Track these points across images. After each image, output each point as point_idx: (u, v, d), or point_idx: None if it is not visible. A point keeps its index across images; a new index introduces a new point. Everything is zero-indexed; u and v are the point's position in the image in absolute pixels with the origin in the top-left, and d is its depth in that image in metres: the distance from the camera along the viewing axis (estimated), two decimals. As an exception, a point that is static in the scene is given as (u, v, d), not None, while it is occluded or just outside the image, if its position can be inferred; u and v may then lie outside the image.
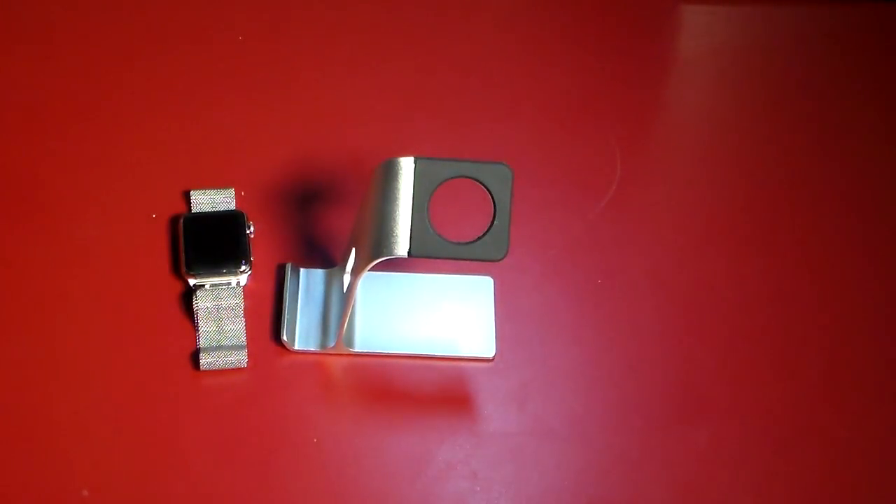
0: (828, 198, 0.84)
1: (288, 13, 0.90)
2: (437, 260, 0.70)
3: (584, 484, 0.73)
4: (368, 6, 0.90)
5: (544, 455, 0.74)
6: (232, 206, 0.80)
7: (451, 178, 0.66)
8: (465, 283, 0.78)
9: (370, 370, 0.76)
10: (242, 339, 0.76)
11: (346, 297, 0.73)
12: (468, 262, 0.67)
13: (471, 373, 0.76)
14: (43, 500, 0.71)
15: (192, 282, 0.77)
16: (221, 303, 0.76)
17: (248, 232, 0.78)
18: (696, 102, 0.90)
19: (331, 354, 0.76)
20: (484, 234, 0.66)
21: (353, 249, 0.73)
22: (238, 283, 0.77)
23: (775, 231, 0.82)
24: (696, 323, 0.78)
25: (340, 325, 0.73)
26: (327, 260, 0.79)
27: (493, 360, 0.76)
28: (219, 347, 0.75)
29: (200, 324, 0.76)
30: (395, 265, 0.76)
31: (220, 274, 0.76)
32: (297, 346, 0.76)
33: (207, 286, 0.76)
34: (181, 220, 0.79)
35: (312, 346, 0.76)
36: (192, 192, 0.80)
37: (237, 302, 0.76)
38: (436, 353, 0.76)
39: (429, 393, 0.76)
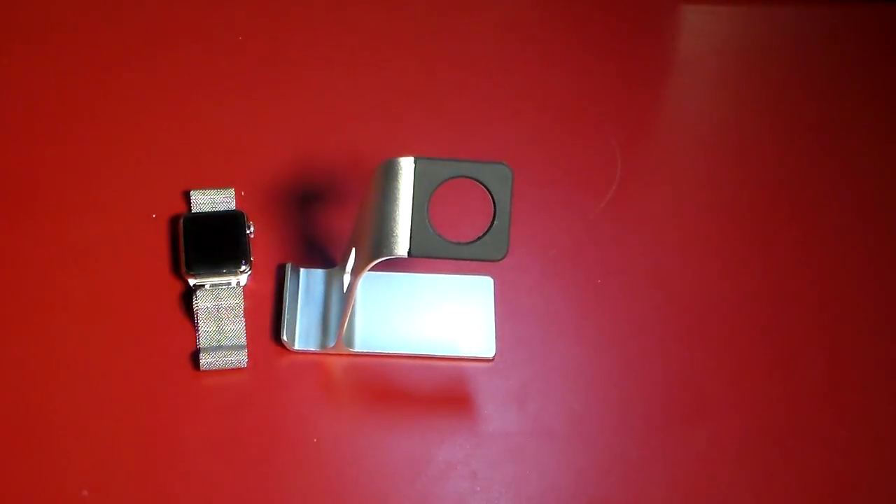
0: (828, 198, 0.84)
1: (288, 13, 0.90)
2: (437, 260, 0.70)
3: (584, 484, 0.73)
4: (368, 6, 0.90)
5: (544, 455, 0.74)
6: (232, 206, 0.80)
7: (451, 178, 0.66)
8: (465, 283, 0.78)
9: (370, 370, 0.76)
10: (242, 339, 0.76)
11: (346, 297, 0.73)
12: (468, 262, 0.67)
13: (471, 373, 0.76)
14: (43, 500, 0.71)
15: (192, 282, 0.77)
16: (221, 303, 0.76)
17: (248, 232, 0.78)
18: (696, 102, 0.90)
19: (331, 354, 0.76)
20: (484, 234, 0.66)
21: (353, 249, 0.72)
22: (238, 283, 0.77)
23: (775, 231, 0.82)
24: (696, 323, 0.78)
25: (340, 325, 0.73)
26: (327, 260, 0.79)
27: (493, 360, 0.76)
28: (219, 347, 0.75)
29: (200, 324, 0.76)
30: (395, 265, 0.76)
31: (220, 274, 0.76)
32: (297, 346, 0.76)
33: (207, 286, 0.76)
34: (181, 220, 0.78)
35: (312, 346, 0.76)
36: (192, 192, 0.80)
37: (237, 302, 0.76)
38: (436, 353, 0.76)
39: (429, 393, 0.76)
